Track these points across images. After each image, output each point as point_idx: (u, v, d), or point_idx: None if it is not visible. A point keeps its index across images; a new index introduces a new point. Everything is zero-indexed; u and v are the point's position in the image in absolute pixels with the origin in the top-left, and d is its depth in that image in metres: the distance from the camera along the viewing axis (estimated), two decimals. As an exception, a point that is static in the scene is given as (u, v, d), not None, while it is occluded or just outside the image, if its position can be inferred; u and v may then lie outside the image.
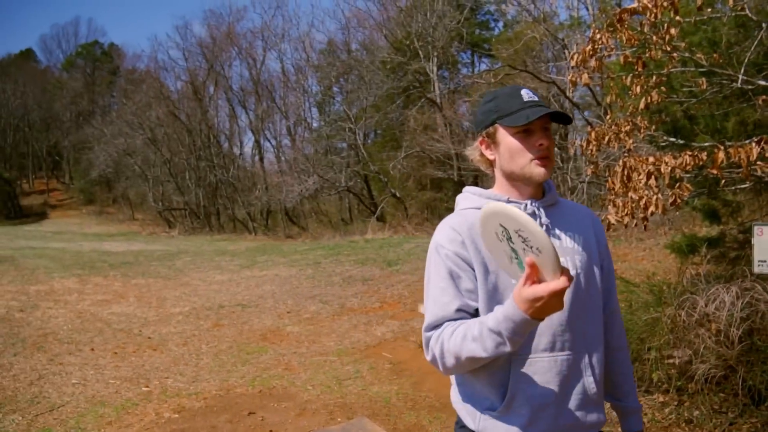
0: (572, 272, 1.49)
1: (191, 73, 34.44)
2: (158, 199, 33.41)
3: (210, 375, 5.78)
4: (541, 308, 1.27)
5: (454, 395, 1.70)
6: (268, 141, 33.84)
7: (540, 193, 1.63)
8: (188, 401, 5.04)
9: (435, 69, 24.39)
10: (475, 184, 23.84)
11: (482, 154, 1.65)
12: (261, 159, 33.05)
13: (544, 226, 1.56)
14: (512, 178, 1.60)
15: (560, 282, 1.24)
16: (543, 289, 1.25)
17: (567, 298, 1.48)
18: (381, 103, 25.52)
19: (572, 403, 1.54)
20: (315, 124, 32.72)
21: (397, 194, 23.12)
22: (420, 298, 8.59)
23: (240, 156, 35.34)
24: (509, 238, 1.31)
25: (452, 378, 1.70)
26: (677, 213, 8.88)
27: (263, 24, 34.69)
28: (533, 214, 1.55)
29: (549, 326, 1.51)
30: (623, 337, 1.76)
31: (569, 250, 1.58)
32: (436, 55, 24.31)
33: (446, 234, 1.59)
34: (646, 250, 9.46)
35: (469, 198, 1.69)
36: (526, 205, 1.58)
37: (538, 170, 1.54)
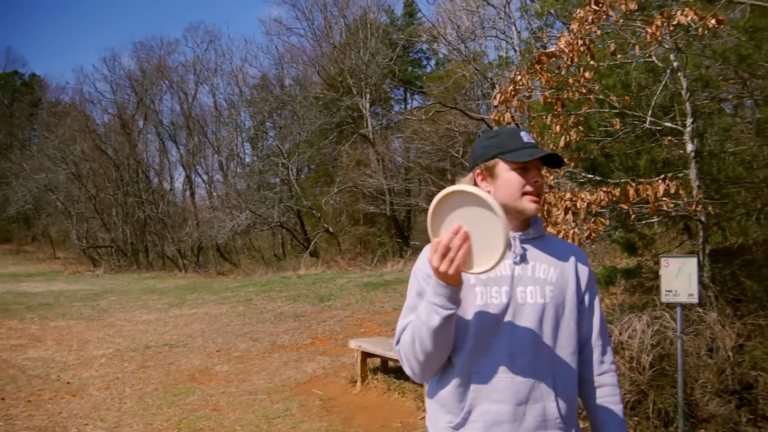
0: (540, 302, 1.66)
1: (119, 106, 33.58)
2: (82, 237, 32.05)
3: (133, 419, 5.58)
4: (435, 271, 1.47)
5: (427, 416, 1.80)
6: (200, 176, 33.28)
7: (526, 226, 1.76)
8: (109, 448, 4.84)
9: (368, 105, 24.77)
10: (408, 220, 24.24)
11: (476, 186, 1.74)
12: (192, 194, 32.41)
13: (518, 256, 1.70)
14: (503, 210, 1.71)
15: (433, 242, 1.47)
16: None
17: (533, 323, 1.64)
18: (314, 139, 25.62)
19: (529, 424, 1.61)
20: (248, 159, 32.49)
21: (330, 229, 23.12)
22: (351, 334, 8.61)
23: (170, 191, 34.49)
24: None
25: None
26: (593, 246, 9.29)
27: (195, 58, 34.38)
28: (509, 244, 1.64)
29: (508, 348, 1.62)
30: (607, 375, 1.78)
31: (540, 281, 1.69)
32: (368, 91, 24.73)
33: (423, 256, 1.73)
34: (570, 281, 9.80)
35: None
36: None
37: (530, 205, 1.69)
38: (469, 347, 1.63)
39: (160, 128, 33.42)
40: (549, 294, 1.67)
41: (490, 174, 1.72)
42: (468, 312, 1.64)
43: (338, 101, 24.28)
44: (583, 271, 1.76)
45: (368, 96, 24.76)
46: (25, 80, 50.74)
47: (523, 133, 1.74)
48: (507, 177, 1.69)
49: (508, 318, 1.64)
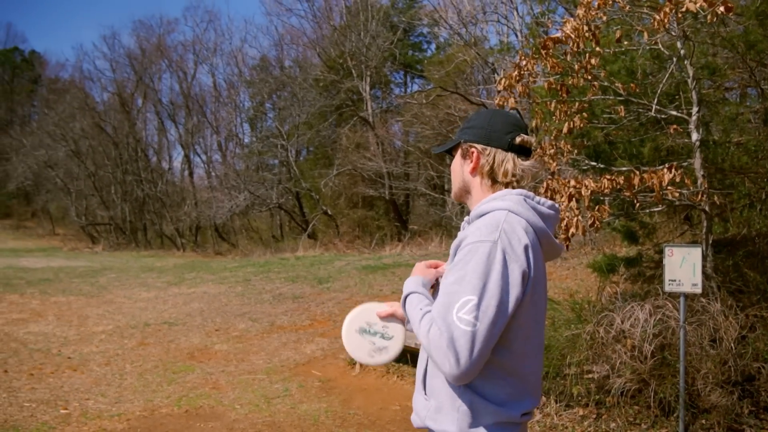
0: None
1: (119, 84, 33.39)
2: (81, 214, 32.01)
3: (134, 395, 5.60)
4: None
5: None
6: (198, 156, 33.19)
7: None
8: (110, 423, 4.86)
9: (368, 88, 24.63)
10: (406, 204, 24.22)
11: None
12: (191, 174, 32.31)
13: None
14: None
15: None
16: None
17: None
18: (313, 121, 25.50)
19: None
20: (246, 140, 32.39)
21: (329, 212, 23.10)
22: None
23: (169, 170, 34.41)
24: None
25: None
26: (596, 234, 9.29)
27: (195, 37, 34.18)
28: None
29: None
30: None
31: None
32: (369, 74, 24.57)
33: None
34: (570, 269, 9.84)
35: None
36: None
37: None
38: None
39: (159, 107, 33.30)
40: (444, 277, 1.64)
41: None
42: None
43: (338, 83, 24.13)
44: (457, 255, 1.56)
45: (368, 79, 24.61)
46: (25, 57, 50.40)
47: None
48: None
49: None
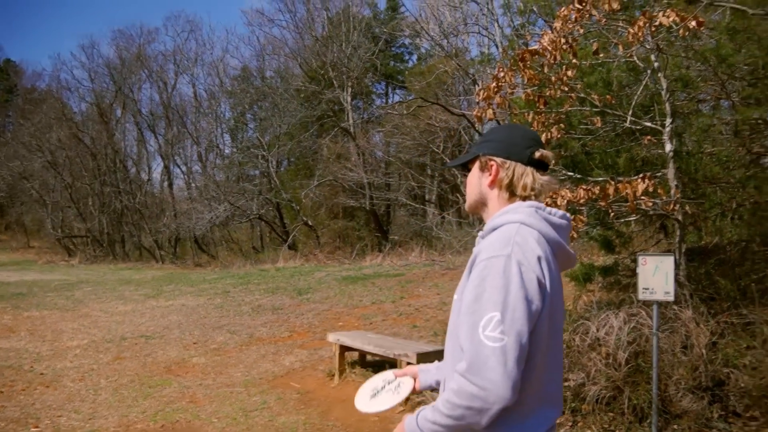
0: (455, 298, 1.66)
1: (97, 94, 33.10)
2: (57, 226, 31.56)
3: (108, 411, 5.52)
4: None
5: None
6: (178, 167, 32.95)
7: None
8: (83, 440, 4.78)
9: (349, 99, 24.68)
10: (387, 214, 24.24)
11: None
12: (170, 185, 32.07)
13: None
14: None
15: None
16: None
17: (451, 319, 1.66)
18: (294, 131, 25.48)
19: None
20: (227, 151, 32.20)
21: (309, 222, 23.03)
22: (329, 328, 8.59)
23: (148, 182, 34.09)
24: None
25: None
26: (573, 243, 9.35)
27: (176, 47, 34.04)
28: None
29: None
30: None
31: (464, 278, 1.66)
32: (350, 85, 24.64)
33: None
34: (547, 278, 9.88)
35: None
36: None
37: None
38: None
39: (139, 118, 33.05)
40: (460, 291, 1.64)
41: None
42: None
43: (319, 94, 24.15)
44: (473, 273, 1.56)
45: (350, 89, 24.67)
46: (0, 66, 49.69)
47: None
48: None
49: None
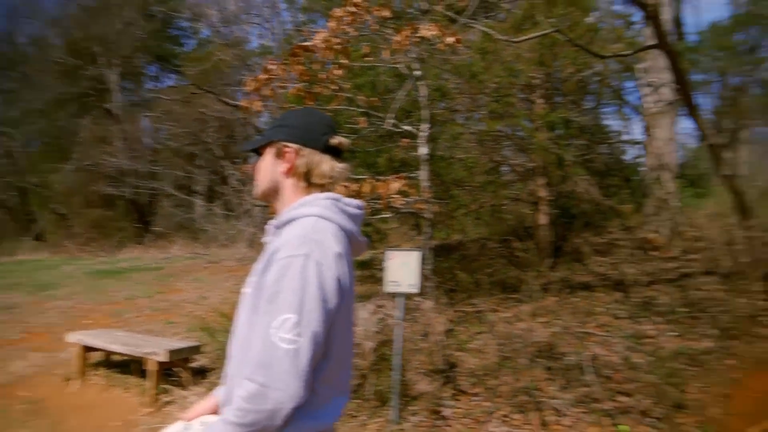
0: (247, 291, 1.60)
1: None
2: None
3: None
4: None
5: None
6: None
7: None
8: None
9: (116, 78, 22.72)
10: (150, 205, 22.75)
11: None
12: None
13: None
14: None
15: None
16: None
17: (241, 314, 1.59)
18: (49, 108, 22.71)
19: None
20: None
21: (61, 211, 20.71)
22: (74, 327, 7.72)
23: None
24: None
25: None
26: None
27: None
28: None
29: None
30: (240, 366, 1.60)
31: (255, 271, 1.59)
32: (118, 63, 22.68)
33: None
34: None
35: None
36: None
37: None
38: None
39: None
40: (251, 285, 1.58)
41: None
42: None
43: (81, 69, 21.83)
44: (271, 271, 1.50)
45: (117, 68, 22.71)
46: None
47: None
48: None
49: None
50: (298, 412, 1.42)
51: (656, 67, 9.00)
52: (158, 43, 25.95)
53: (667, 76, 8.62)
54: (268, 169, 1.68)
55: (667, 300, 6.08)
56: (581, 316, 5.84)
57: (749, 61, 15.88)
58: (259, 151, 1.73)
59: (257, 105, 5.38)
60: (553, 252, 6.72)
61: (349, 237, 1.58)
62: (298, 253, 1.44)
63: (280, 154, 1.65)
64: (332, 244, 1.49)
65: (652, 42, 6.07)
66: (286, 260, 1.44)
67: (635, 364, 4.63)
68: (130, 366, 5.87)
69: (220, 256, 13.28)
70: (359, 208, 1.65)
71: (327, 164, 1.63)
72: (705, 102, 17.07)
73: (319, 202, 1.57)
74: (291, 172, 1.64)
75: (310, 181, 1.63)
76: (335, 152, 1.66)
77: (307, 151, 1.62)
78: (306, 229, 1.50)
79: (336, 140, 1.65)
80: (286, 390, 1.36)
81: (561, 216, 7.72)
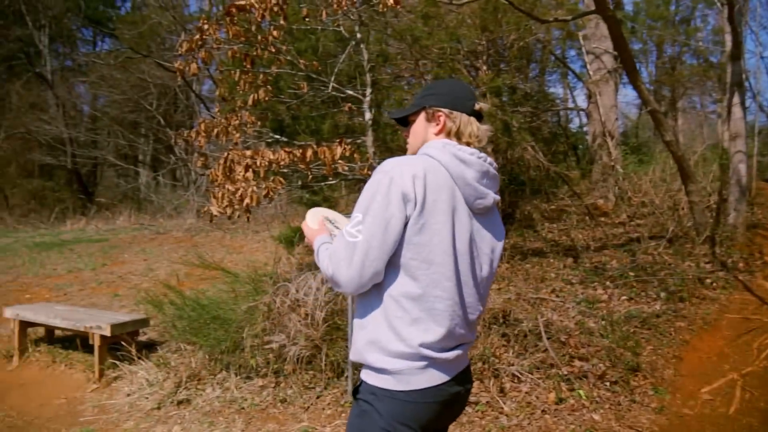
0: None
1: None
2: None
3: None
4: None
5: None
6: None
7: None
8: None
9: (46, 41, 21.61)
10: (93, 174, 21.99)
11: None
12: None
13: None
14: None
15: None
16: None
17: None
18: (-26, 72, 21.50)
19: None
20: None
21: (-5, 181, 19.82)
22: (12, 302, 7.49)
23: None
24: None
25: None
26: (270, 205, 9.54)
27: None
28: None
29: None
30: None
31: None
32: (47, 24, 21.53)
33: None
34: (260, 242, 9.98)
35: None
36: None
37: None
38: None
39: None
40: None
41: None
42: None
43: (6, 30, 20.64)
44: None
45: (47, 30, 21.57)
46: None
47: None
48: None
49: None
50: (387, 327, 1.65)
51: (598, 35, 9.18)
52: (91, 4, 24.73)
53: (608, 44, 8.81)
54: (420, 132, 1.86)
55: (617, 265, 6.33)
56: (534, 282, 6.01)
57: (683, 31, 16.39)
58: (407, 120, 1.92)
59: (193, 68, 5.21)
60: (504, 219, 6.87)
61: (454, 177, 1.71)
62: (382, 170, 1.66)
63: (431, 118, 1.83)
64: (416, 169, 1.64)
65: (591, 8, 6.18)
66: (373, 176, 1.68)
67: (590, 328, 4.76)
68: (75, 342, 5.77)
69: (167, 227, 13.03)
70: (474, 155, 1.77)
71: (474, 126, 1.81)
72: (644, 71, 17.53)
73: (434, 143, 1.77)
74: (441, 132, 1.81)
75: (460, 140, 1.80)
76: (478, 116, 1.84)
77: (456, 114, 1.80)
78: (403, 158, 1.72)
79: (478, 106, 1.84)
80: (338, 275, 1.63)
81: (510, 183, 7.87)
